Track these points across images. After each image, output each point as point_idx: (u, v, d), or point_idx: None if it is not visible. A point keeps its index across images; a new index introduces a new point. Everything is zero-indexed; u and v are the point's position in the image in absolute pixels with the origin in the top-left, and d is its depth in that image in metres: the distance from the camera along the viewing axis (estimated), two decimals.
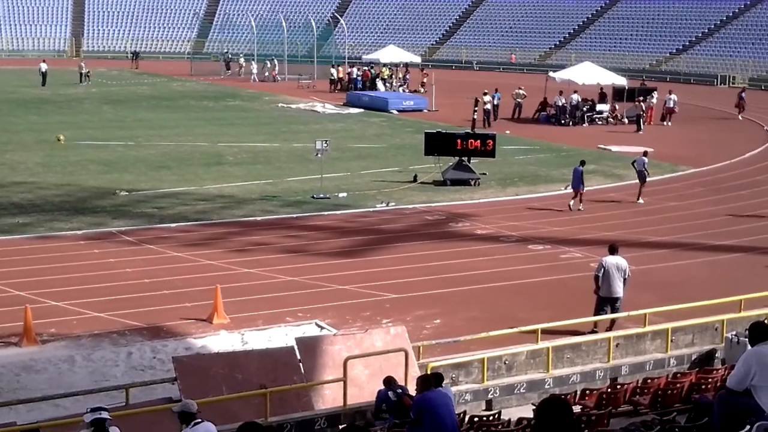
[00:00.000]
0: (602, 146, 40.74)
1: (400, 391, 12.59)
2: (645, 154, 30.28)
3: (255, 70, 72.91)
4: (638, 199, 29.28)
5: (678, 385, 13.38)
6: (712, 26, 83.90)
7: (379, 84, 62.93)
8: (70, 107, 52.63)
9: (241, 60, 78.34)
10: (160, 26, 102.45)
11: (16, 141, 39.22)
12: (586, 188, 28.34)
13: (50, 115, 48.46)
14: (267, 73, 72.65)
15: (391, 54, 71.21)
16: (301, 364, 13.79)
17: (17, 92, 59.86)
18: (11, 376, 14.94)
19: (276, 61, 73.41)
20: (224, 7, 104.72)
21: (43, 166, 33.34)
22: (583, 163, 28.50)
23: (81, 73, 67.41)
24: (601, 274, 17.53)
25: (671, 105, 49.73)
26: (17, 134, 41.20)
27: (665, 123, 49.14)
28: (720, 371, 13.94)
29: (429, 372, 13.04)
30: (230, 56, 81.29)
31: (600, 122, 49.33)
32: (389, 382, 12.60)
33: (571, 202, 28.20)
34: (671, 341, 16.41)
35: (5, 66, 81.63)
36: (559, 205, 28.57)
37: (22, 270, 20.69)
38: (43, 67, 64.95)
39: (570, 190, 28.92)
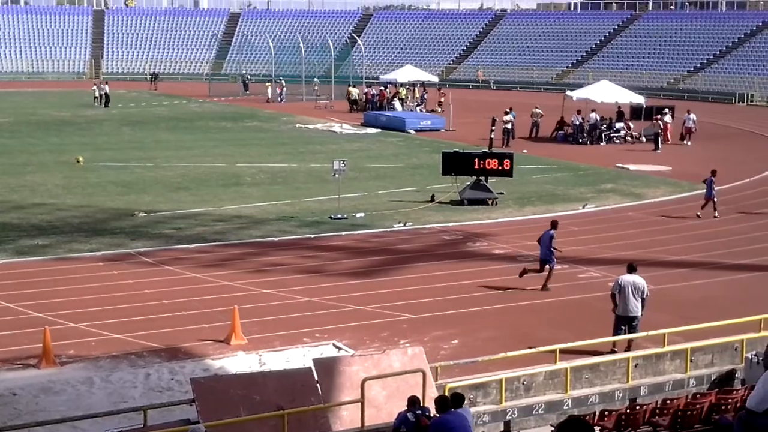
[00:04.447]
0: (620, 165, 40.63)
1: (419, 412, 12.52)
2: None
3: (278, 90, 73.11)
4: None
5: (698, 406, 13.28)
6: (730, 44, 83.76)
7: (397, 104, 62.99)
8: (89, 129, 53.02)
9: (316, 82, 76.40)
10: (178, 48, 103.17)
11: (36, 162, 39.54)
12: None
13: (70, 137, 48.86)
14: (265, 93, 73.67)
15: (408, 74, 71.30)
16: (318, 385, 13.77)
17: (37, 114, 60.37)
18: (30, 398, 14.97)
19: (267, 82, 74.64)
20: (242, 28, 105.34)
21: (62, 188, 33.56)
22: (714, 173, 29.69)
23: (100, 95, 67.96)
24: (617, 293, 17.47)
25: (690, 124, 49.49)
26: (37, 155, 41.54)
27: (684, 142, 48.92)
28: (740, 392, 13.82)
29: (447, 393, 12.98)
30: (248, 77, 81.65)
31: (617, 141, 49.18)
32: (413, 402, 12.51)
33: (705, 211, 29.29)
34: (690, 361, 16.30)
35: (26, 88, 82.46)
36: (695, 212, 29.75)
37: (41, 291, 20.78)
38: (106, 88, 66.83)
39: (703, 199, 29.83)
